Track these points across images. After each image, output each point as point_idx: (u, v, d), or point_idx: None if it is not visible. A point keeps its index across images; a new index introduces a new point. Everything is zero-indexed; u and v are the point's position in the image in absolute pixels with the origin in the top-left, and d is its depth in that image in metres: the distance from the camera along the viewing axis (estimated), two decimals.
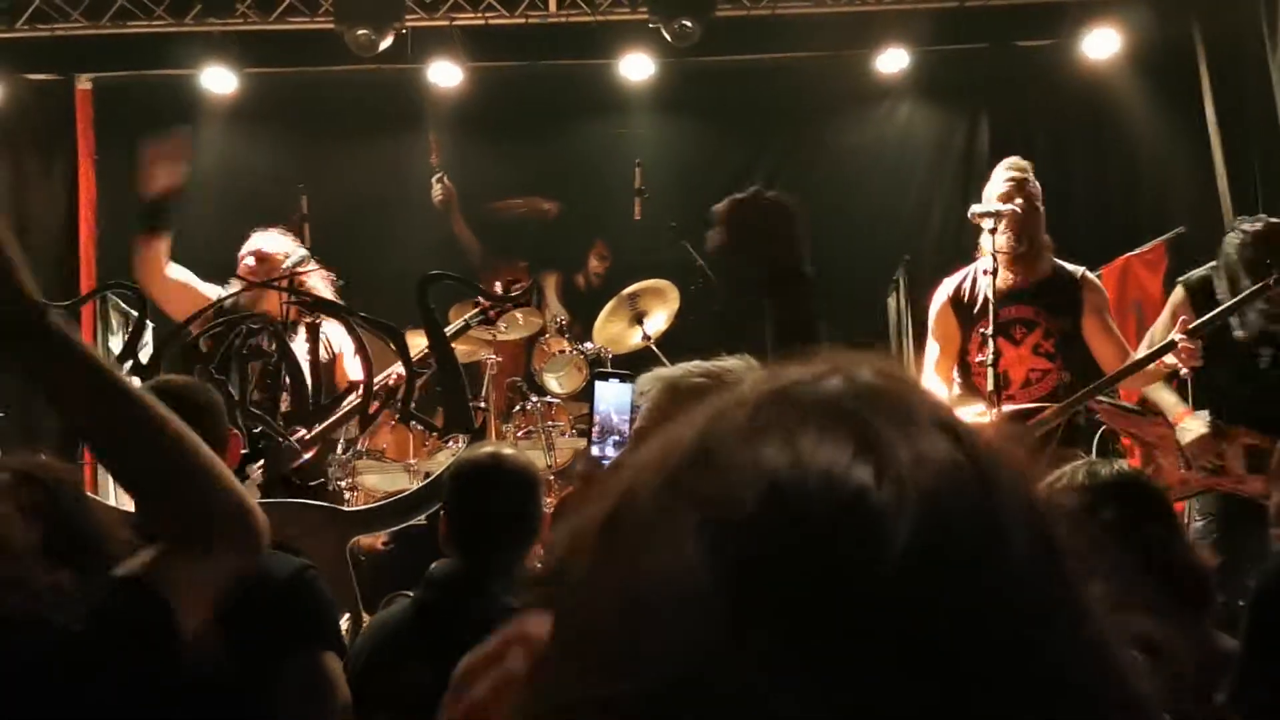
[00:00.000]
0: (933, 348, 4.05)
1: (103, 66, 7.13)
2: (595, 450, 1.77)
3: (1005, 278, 3.90)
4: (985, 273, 3.85)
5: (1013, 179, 3.96)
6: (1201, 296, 4.01)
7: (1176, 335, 3.76)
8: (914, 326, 6.56)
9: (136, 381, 3.08)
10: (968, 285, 4.03)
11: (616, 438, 1.80)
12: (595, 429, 1.76)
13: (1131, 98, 6.77)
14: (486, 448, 2.38)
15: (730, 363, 1.75)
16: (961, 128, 7.22)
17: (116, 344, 4.69)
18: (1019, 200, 3.85)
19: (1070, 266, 4.04)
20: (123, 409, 1.25)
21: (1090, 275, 4.08)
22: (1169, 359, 3.82)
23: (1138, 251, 5.92)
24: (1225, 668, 1.92)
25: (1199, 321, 3.81)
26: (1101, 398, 3.99)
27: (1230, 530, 3.87)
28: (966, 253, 6.51)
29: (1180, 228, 5.80)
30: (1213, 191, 6.22)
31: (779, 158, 7.30)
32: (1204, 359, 3.79)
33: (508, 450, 2.36)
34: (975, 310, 3.94)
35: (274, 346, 2.91)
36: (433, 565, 2.29)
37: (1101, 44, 6.61)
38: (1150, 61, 6.67)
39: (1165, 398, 4.02)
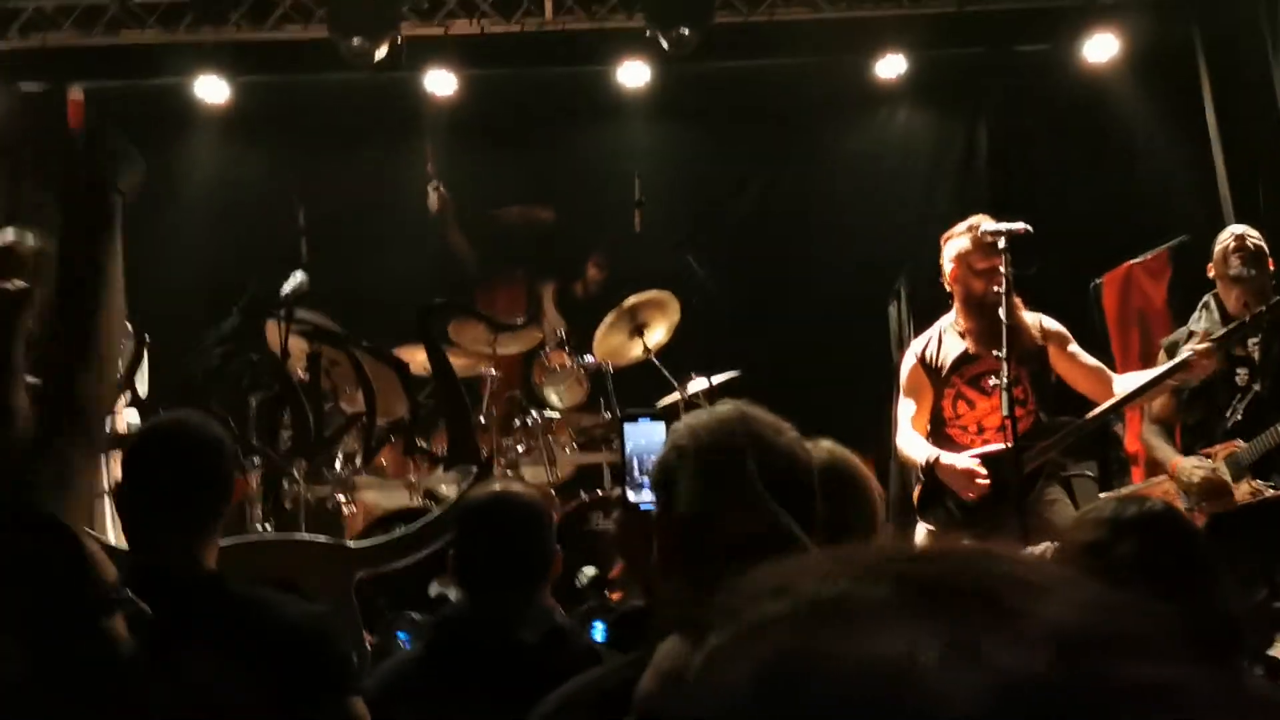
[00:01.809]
0: (907, 404, 4.18)
1: (95, 76, 7.07)
2: (632, 495, 1.71)
3: (969, 341, 4.07)
4: (954, 330, 4.11)
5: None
6: (1173, 351, 4.14)
7: (1190, 348, 3.84)
8: (915, 334, 6.54)
9: (134, 415, 3.03)
10: (933, 348, 4.17)
11: (647, 479, 1.75)
12: (629, 474, 1.71)
13: (1131, 103, 6.74)
14: (493, 485, 2.34)
15: (718, 412, 1.71)
16: (960, 133, 7.20)
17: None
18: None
19: (1030, 316, 4.11)
20: None
21: (1046, 320, 4.14)
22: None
23: (1140, 260, 5.89)
24: (1255, 712, 1.88)
25: (1217, 336, 3.93)
26: (1124, 490, 4.21)
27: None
28: None
29: (1184, 236, 5.76)
30: (1214, 197, 6.19)
31: (777, 164, 7.26)
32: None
33: (516, 487, 2.32)
34: (943, 373, 4.10)
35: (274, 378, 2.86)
36: (444, 606, 2.24)
37: (1101, 48, 6.57)
38: (1150, 66, 6.64)
39: (1164, 453, 4.18)
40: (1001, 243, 3.79)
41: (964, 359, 4.07)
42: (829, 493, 1.82)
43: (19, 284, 2.04)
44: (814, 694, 0.47)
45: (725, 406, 1.70)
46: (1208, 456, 3.99)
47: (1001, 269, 3.85)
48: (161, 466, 2.03)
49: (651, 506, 1.72)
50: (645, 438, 1.75)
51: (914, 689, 0.46)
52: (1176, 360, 3.89)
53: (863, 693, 0.46)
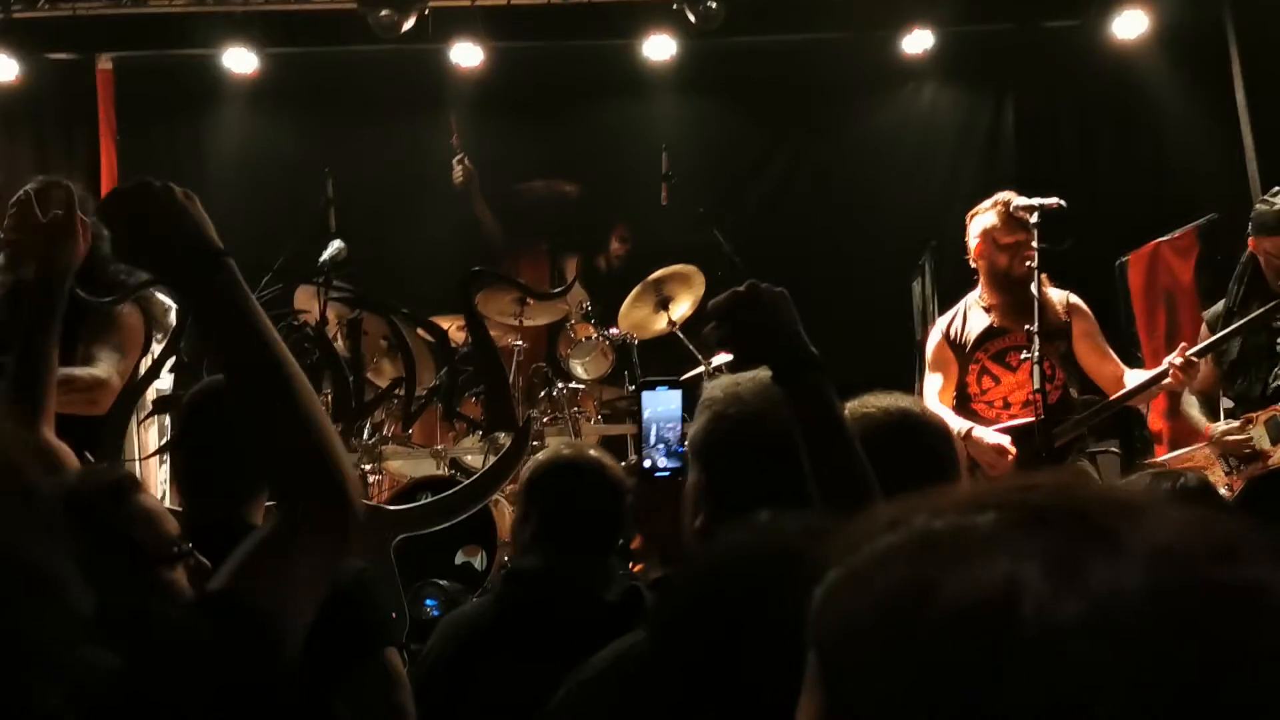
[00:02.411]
0: (934, 379, 4.17)
1: (123, 46, 7.10)
2: (646, 462, 1.73)
3: (994, 315, 4.06)
4: (979, 305, 4.10)
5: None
6: (1216, 324, 4.11)
7: (1169, 361, 3.83)
8: (939, 311, 6.54)
9: (167, 380, 3.07)
10: (958, 324, 4.17)
11: (663, 446, 1.77)
12: (646, 442, 1.72)
13: (1160, 80, 6.70)
14: (567, 449, 2.34)
15: (758, 376, 1.73)
16: (987, 109, 7.17)
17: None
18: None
19: (1057, 293, 4.09)
20: (264, 365, 1.31)
21: (1076, 300, 4.12)
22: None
23: (1168, 238, 5.86)
24: None
25: (1198, 347, 3.90)
26: (1159, 459, 4.21)
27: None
28: None
29: (1212, 214, 5.74)
30: (1243, 175, 6.16)
31: (803, 139, 7.26)
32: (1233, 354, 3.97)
33: (592, 451, 2.33)
34: (968, 348, 4.10)
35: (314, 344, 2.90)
36: (510, 563, 2.24)
37: (1130, 24, 6.53)
38: (1179, 42, 6.60)
39: (1196, 419, 4.13)
40: (1034, 217, 3.79)
41: (989, 333, 4.08)
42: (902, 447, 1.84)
43: (58, 214, 2.09)
44: (931, 618, 0.50)
45: (762, 375, 1.73)
46: (1249, 421, 3.96)
47: (1030, 244, 3.84)
48: (214, 428, 2.07)
49: (667, 474, 1.73)
50: (663, 405, 1.76)
51: (1020, 606, 0.49)
52: (1158, 370, 3.86)
53: (975, 613, 0.50)
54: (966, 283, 7.02)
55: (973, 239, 4.11)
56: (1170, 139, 6.73)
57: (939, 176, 7.06)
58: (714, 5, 6.24)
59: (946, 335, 4.19)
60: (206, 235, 1.40)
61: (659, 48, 6.79)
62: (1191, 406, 4.15)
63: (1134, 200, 6.69)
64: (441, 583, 4.34)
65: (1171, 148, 6.73)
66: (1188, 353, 3.83)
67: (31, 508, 0.99)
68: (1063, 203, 3.81)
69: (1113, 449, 5.42)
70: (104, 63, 7.20)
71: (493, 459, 3.50)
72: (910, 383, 6.52)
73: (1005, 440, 3.86)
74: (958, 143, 7.14)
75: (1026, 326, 3.72)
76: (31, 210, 2.26)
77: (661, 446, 1.73)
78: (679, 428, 1.74)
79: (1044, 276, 3.90)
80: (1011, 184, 6.75)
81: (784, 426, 1.59)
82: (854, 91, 7.17)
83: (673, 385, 1.75)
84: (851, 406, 1.98)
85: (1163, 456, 4.52)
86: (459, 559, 4.80)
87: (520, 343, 5.80)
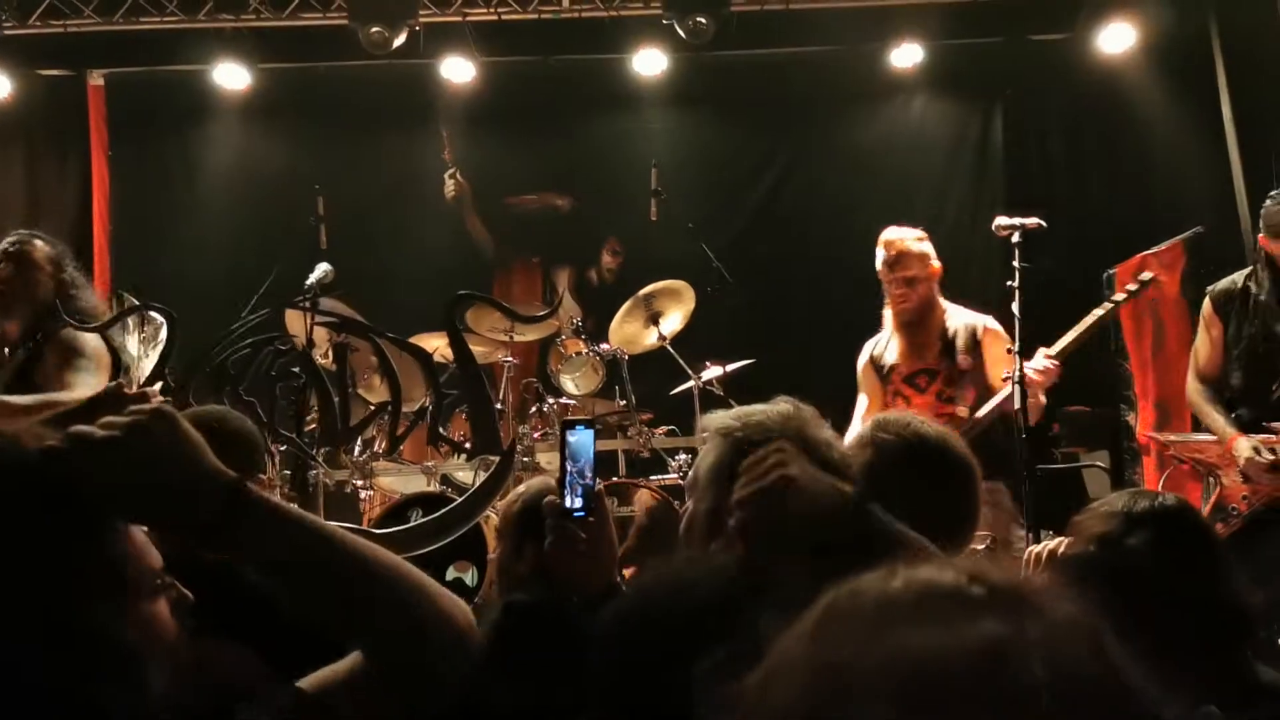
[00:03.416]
0: (861, 400, 4.29)
1: (115, 62, 7.14)
2: (567, 501, 1.71)
3: (903, 342, 4.16)
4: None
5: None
6: (1226, 304, 4.02)
7: (1030, 367, 3.77)
8: None
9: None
10: (880, 349, 4.28)
11: (581, 488, 1.75)
12: (564, 479, 1.70)
13: (1147, 92, 6.74)
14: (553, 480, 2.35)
15: (778, 408, 1.75)
16: (976, 122, 7.20)
17: (132, 343, 4.70)
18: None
19: (971, 319, 4.16)
20: (336, 560, 1.20)
21: (991, 326, 4.15)
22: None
23: (1154, 250, 5.89)
24: (1263, 701, 1.93)
25: (1059, 347, 3.87)
26: (1171, 436, 4.23)
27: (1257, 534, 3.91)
28: (980, 244, 6.55)
29: (1198, 227, 5.77)
30: (1229, 188, 6.19)
31: (793, 152, 7.28)
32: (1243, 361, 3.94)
33: None
34: (885, 371, 4.22)
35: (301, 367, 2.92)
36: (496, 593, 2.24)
37: (1117, 38, 6.58)
38: (1166, 56, 6.63)
39: (1216, 422, 4.04)
40: (1016, 237, 3.82)
41: (901, 357, 4.17)
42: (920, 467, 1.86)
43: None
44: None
45: (783, 405, 1.75)
46: (1268, 430, 3.90)
47: (893, 293, 4.10)
48: None
49: (583, 514, 1.72)
50: (581, 446, 1.74)
51: None
52: (1017, 377, 3.77)
53: None
54: (956, 294, 7.06)
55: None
56: (1157, 151, 6.76)
57: (929, 189, 7.09)
58: (704, 20, 6.27)
59: (871, 357, 4.30)
60: (219, 473, 1.20)
61: (649, 62, 6.82)
62: (1204, 398, 4.06)
63: (1121, 212, 6.72)
64: None
65: (1158, 160, 6.76)
66: (1048, 354, 3.82)
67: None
68: (1043, 223, 3.83)
69: (1099, 464, 5.44)
70: (96, 79, 7.23)
71: (484, 476, 3.52)
72: None
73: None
74: (947, 156, 7.17)
75: (1008, 348, 3.76)
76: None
77: (580, 488, 1.72)
78: (591, 469, 1.73)
79: (940, 301, 4.00)
80: (1000, 195, 6.88)
81: (814, 451, 1.61)
82: (844, 105, 7.20)
83: (588, 425, 1.73)
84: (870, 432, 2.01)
85: (1173, 437, 4.36)
86: (450, 574, 4.81)
87: (511, 359, 5.82)
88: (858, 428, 4.00)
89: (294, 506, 1.25)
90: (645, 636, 1.08)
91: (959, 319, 4.17)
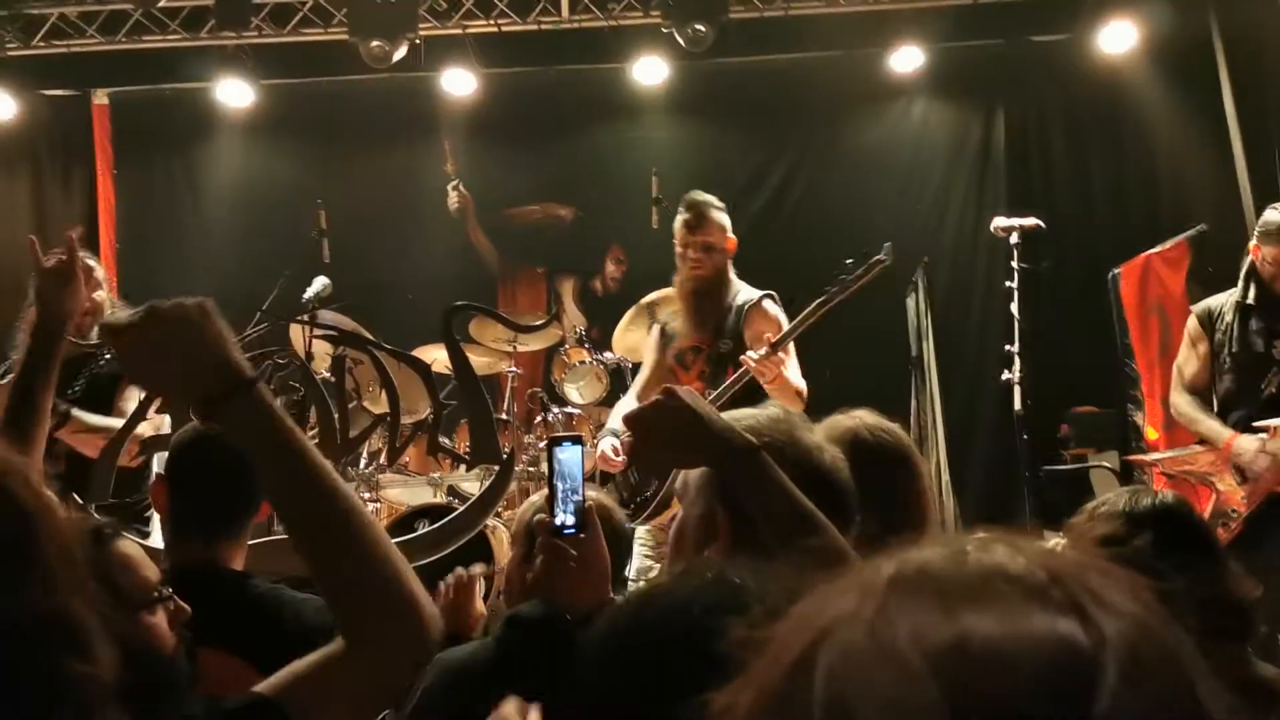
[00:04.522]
0: (640, 373, 4.29)
1: (119, 81, 7.19)
2: (558, 519, 1.70)
3: (686, 316, 4.09)
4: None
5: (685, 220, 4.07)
6: (1211, 321, 4.04)
7: (746, 356, 3.73)
8: (934, 330, 6.56)
9: (166, 420, 3.10)
10: (671, 318, 4.22)
11: (571, 505, 1.74)
12: (554, 496, 1.69)
13: (1149, 92, 6.72)
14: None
15: (768, 412, 1.75)
16: (977, 125, 7.19)
17: None
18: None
19: (747, 294, 4.08)
20: (310, 490, 1.24)
21: (762, 303, 4.06)
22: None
23: (1159, 249, 5.88)
24: (1265, 698, 1.92)
25: (780, 336, 3.83)
26: (1155, 455, 4.26)
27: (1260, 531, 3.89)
28: (983, 248, 6.54)
29: (1202, 225, 5.75)
30: (1233, 187, 6.17)
31: (794, 158, 7.28)
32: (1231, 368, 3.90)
33: (593, 493, 2.33)
34: (668, 343, 4.16)
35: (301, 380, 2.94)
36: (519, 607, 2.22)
37: (1118, 38, 6.56)
38: (1168, 55, 6.62)
39: (1210, 427, 4.03)
40: (1014, 237, 3.81)
41: (676, 334, 4.13)
42: (871, 464, 1.86)
43: (61, 259, 2.14)
44: None
45: (773, 409, 1.75)
46: (1261, 431, 3.88)
47: (689, 256, 3.97)
48: (196, 471, 2.09)
49: (573, 531, 1.71)
50: (571, 462, 1.73)
51: None
52: (741, 369, 3.76)
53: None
54: (960, 297, 7.04)
55: None
56: (1160, 151, 6.74)
57: (931, 192, 7.08)
58: (703, 28, 6.28)
59: (661, 327, 4.24)
60: (232, 362, 1.27)
61: (649, 71, 6.83)
62: (1193, 407, 4.07)
63: (1125, 212, 6.71)
64: None
65: (1161, 159, 6.75)
66: (771, 341, 3.75)
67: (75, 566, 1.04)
68: (1041, 224, 3.83)
69: (1107, 464, 5.42)
70: (100, 98, 7.27)
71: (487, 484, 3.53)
72: (906, 398, 6.54)
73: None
74: (949, 158, 7.16)
75: (1007, 347, 3.75)
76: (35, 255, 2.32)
77: (571, 505, 1.71)
78: (581, 485, 1.72)
79: (733, 281, 4.01)
80: (1002, 198, 6.86)
81: (804, 455, 1.62)
82: (845, 110, 7.19)
83: (576, 441, 1.73)
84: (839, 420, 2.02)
85: (1158, 455, 4.41)
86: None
87: (515, 369, 5.83)
88: (631, 402, 3.97)
89: (294, 425, 1.29)
90: (635, 657, 1.08)
91: (743, 296, 4.08)
